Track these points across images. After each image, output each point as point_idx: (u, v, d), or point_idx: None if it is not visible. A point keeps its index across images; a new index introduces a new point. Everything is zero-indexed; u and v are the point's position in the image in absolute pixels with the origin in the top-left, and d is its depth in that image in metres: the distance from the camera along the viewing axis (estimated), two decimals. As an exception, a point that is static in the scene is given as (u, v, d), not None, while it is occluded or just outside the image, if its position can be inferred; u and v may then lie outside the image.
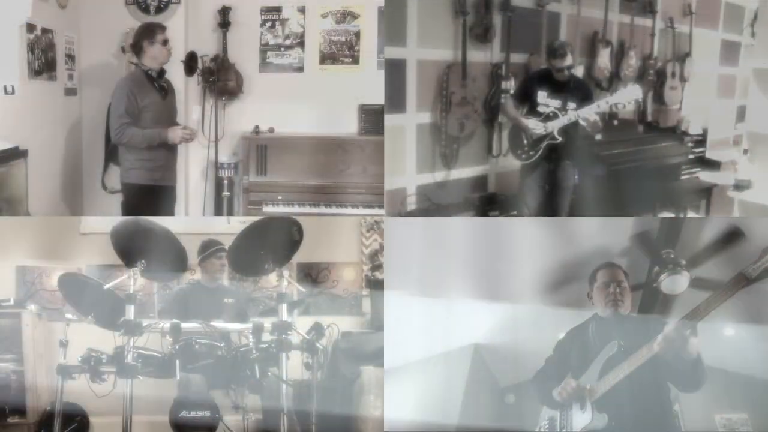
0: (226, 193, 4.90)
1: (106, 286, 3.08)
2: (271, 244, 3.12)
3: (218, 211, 4.93)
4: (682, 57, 6.06)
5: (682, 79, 6.05)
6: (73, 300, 3.22)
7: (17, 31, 3.79)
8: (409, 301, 3.54)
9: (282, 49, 4.98)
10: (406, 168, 4.46)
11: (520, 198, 4.15)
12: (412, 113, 4.40)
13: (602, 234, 3.25)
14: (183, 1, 4.75)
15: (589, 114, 3.84)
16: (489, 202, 4.62)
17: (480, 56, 4.60)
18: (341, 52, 4.95)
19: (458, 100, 4.47)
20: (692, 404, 3.31)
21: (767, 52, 4.62)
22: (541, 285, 3.46)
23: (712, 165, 6.01)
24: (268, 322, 3.07)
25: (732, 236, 3.07)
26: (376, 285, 4.17)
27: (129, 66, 4.48)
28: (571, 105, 3.90)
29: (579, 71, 5.11)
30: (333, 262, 4.34)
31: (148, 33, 3.89)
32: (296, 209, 4.60)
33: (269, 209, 4.62)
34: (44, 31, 4.15)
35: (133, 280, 3.01)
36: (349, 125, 4.93)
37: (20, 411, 3.75)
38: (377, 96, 4.42)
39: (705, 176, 5.82)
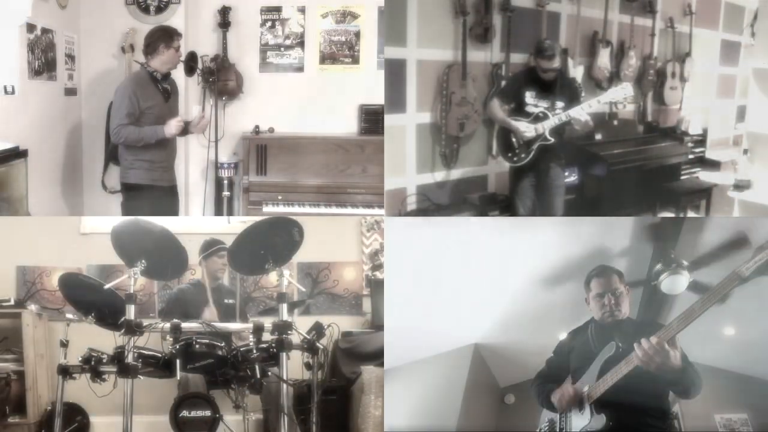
0: (226, 193, 4.91)
1: (107, 286, 3.08)
2: (271, 244, 3.12)
3: (218, 211, 4.94)
4: (682, 57, 6.07)
5: (682, 79, 6.06)
6: (73, 300, 3.22)
7: (17, 31, 3.79)
8: (409, 301, 3.54)
9: (282, 49, 4.98)
10: (406, 168, 4.45)
11: (513, 199, 4.13)
12: (412, 113, 4.40)
13: (602, 234, 3.24)
14: (183, 1, 4.75)
15: (580, 114, 3.79)
16: (489, 202, 4.61)
17: (480, 56, 4.59)
18: (341, 52, 4.95)
19: (458, 100, 4.46)
20: (692, 404, 3.29)
21: (767, 52, 4.61)
22: (541, 285, 3.45)
23: (712, 165, 6.02)
24: (268, 322, 3.07)
25: (737, 244, 3.04)
26: (376, 285, 4.17)
27: (132, 65, 4.49)
28: (560, 104, 3.86)
29: (579, 71, 5.12)
30: (333, 262, 4.34)
31: (167, 37, 3.89)
32: (296, 209, 4.61)
33: (269, 209, 4.63)
34: (44, 31, 4.15)
35: (133, 280, 3.01)
36: (349, 125, 4.94)
37: (21, 411, 3.75)
38: (377, 96, 4.42)
39: (705, 176, 5.83)
